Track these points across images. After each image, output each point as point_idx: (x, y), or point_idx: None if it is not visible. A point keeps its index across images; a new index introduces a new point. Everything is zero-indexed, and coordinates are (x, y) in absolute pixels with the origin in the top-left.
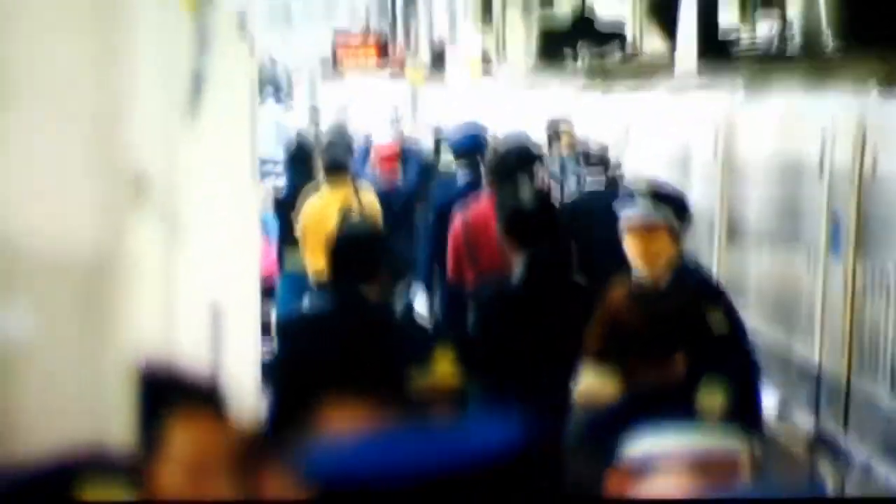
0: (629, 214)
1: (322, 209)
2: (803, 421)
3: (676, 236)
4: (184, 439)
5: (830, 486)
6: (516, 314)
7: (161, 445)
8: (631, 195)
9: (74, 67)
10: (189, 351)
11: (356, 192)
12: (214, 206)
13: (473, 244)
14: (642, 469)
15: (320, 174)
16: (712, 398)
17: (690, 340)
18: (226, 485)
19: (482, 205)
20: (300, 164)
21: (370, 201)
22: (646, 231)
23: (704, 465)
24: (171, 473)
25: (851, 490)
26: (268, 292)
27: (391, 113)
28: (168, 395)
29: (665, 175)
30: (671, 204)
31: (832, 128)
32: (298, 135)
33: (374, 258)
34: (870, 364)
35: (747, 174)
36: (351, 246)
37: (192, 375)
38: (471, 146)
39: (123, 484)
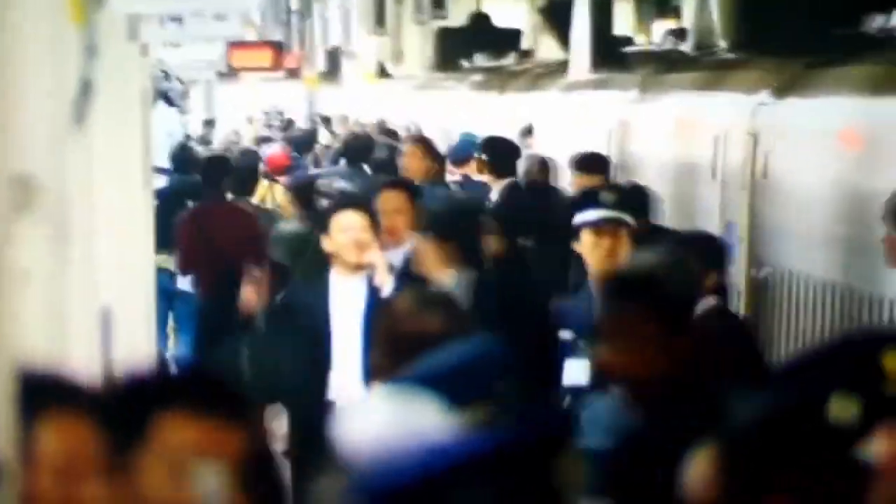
0: (592, 214)
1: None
2: None
3: (633, 236)
4: (52, 441)
5: None
6: None
7: (32, 448)
8: (595, 195)
9: None
10: (79, 354)
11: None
12: (106, 210)
13: None
14: None
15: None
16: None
17: None
18: (96, 489)
19: None
20: (185, 168)
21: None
22: (608, 231)
23: None
24: (40, 477)
25: None
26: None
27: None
28: (40, 397)
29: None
30: (634, 202)
31: (725, 131)
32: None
33: None
34: None
35: (641, 175)
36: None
37: (65, 378)
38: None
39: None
